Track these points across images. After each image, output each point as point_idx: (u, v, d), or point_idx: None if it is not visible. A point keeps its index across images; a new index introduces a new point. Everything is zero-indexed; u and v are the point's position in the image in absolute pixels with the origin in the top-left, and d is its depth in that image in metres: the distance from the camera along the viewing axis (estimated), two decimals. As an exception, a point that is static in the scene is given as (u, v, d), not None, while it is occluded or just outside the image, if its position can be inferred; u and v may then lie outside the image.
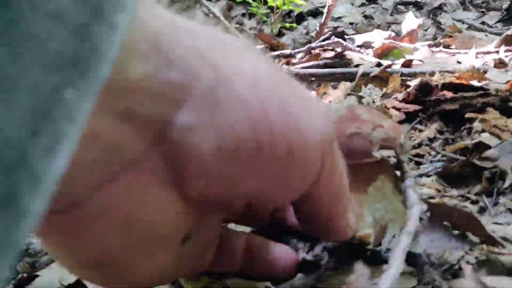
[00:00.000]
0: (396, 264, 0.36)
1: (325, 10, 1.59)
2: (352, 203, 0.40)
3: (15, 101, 0.18)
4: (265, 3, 1.90)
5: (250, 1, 1.99)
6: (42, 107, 0.19)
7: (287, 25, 2.29)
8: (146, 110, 0.28)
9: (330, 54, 1.37)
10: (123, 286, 0.35)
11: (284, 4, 1.73)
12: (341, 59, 1.32)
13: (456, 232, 0.47)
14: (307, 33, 2.62)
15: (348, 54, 1.36)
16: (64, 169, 0.20)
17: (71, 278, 0.54)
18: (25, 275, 0.53)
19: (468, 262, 0.43)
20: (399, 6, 2.93)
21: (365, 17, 2.76)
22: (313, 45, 1.44)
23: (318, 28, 1.59)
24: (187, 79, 0.29)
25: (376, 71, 1.09)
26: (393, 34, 1.73)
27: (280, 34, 2.62)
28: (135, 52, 0.27)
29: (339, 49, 1.40)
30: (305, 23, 2.74)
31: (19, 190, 0.18)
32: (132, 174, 0.30)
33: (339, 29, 2.50)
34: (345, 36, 1.71)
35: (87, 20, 0.20)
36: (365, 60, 1.36)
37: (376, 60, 1.33)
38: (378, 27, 2.60)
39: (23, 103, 0.18)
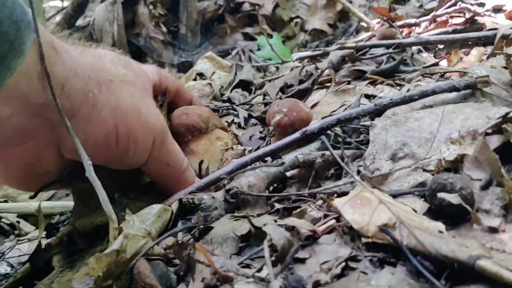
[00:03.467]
0: None
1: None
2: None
3: None
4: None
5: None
6: None
7: (398, 6, 2.19)
8: (48, 115, 0.54)
9: (459, 20, 1.30)
10: (27, 189, 0.67)
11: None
12: (472, 25, 1.25)
13: None
14: (420, 6, 2.50)
15: (479, 19, 1.27)
16: None
17: (244, 229, 0.57)
18: (201, 226, 0.58)
19: None
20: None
21: (485, -18, 2.57)
22: (438, 12, 1.37)
23: None
24: (75, 106, 0.56)
25: (518, 31, 1.02)
26: (525, -5, 1.59)
27: (390, 9, 2.52)
28: (42, 86, 0.52)
29: (467, 15, 1.32)
30: (417, -5, 2.62)
31: None
32: (35, 140, 0.56)
33: (456, -2, 2.35)
34: (471, 2, 1.60)
35: None
36: (498, 24, 1.27)
37: (510, 22, 1.24)
38: (501, -8, 2.41)
39: None
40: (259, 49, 2.47)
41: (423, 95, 0.73)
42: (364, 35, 2.49)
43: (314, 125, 0.68)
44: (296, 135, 0.67)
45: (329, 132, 0.72)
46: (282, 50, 2.50)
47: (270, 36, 2.49)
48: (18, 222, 0.99)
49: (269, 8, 2.63)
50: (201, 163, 0.74)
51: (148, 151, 0.64)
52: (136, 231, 0.52)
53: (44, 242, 0.69)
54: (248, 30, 2.58)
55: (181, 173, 0.69)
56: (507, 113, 0.58)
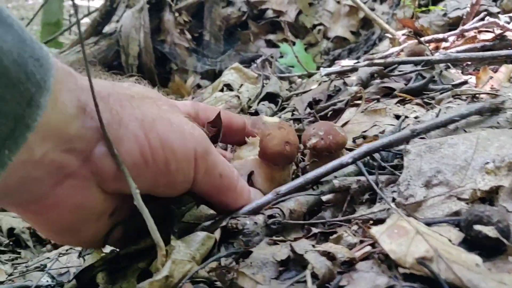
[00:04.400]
0: None
1: (475, -11, 1.50)
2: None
3: None
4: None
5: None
6: None
7: (421, 9, 2.19)
8: (79, 146, 0.53)
9: (487, 35, 1.30)
10: (78, 245, 0.69)
11: (429, -14, 1.66)
12: (501, 41, 1.25)
13: None
14: (444, 15, 2.49)
15: (508, 34, 1.28)
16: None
17: (283, 254, 0.59)
18: (241, 249, 0.60)
19: None
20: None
21: (511, -8, 2.55)
22: (466, 27, 1.38)
23: (469, 9, 1.51)
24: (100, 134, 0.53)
25: (549, 51, 1.02)
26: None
27: (413, 17, 2.52)
28: (70, 116, 0.51)
29: (496, 30, 1.33)
30: (441, 4, 2.61)
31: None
32: (72, 180, 0.53)
33: (482, 7, 2.34)
34: (499, 16, 1.60)
35: (22, 108, 0.45)
36: (527, 40, 1.27)
37: (540, 39, 1.24)
38: (527, 2, 2.39)
39: None
40: (281, 56, 2.49)
41: (455, 120, 0.75)
42: (387, 44, 2.49)
43: (355, 152, 0.70)
44: (339, 161, 0.69)
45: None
46: (305, 58, 2.52)
47: (293, 43, 2.51)
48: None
49: (292, 15, 2.65)
50: (251, 173, 0.73)
51: (192, 164, 0.59)
52: (182, 256, 0.54)
53: (86, 257, 0.72)
54: (271, 37, 2.61)
55: (237, 182, 0.65)
56: (543, 145, 0.59)
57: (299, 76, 1.74)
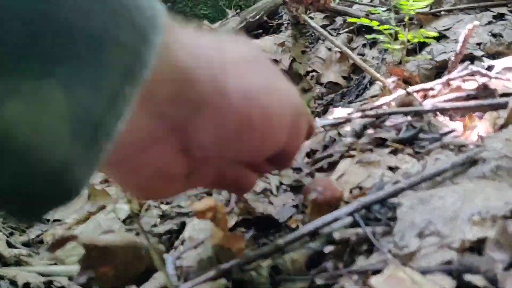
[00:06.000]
0: None
1: (459, 38, 1.60)
2: None
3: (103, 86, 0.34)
4: (396, 37, 1.95)
5: (381, 38, 2.05)
6: (115, 94, 0.34)
7: (408, 58, 2.30)
8: (172, 113, 0.50)
9: (472, 85, 1.39)
10: (157, 198, 0.90)
11: (415, 37, 1.76)
12: (484, 90, 1.33)
13: None
14: (431, 59, 2.60)
15: (491, 82, 1.36)
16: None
17: None
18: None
19: None
20: (531, 21, 2.78)
21: (493, 35, 2.67)
22: (451, 76, 1.46)
23: (453, 58, 1.60)
24: (205, 97, 0.50)
25: (528, 101, 1.10)
26: (533, 55, 1.68)
27: (401, 63, 2.63)
28: (167, 77, 0.45)
29: (478, 78, 1.41)
30: (428, 48, 2.73)
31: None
32: (159, 146, 0.53)
33: (466, 51, 2.45)
34: (480, 62, 1.70)
35: (139, 42, 0.36)
36: (510, 88, 1.35)
37: (520, 86, 1.32)
38: (509, 46, 2.51)
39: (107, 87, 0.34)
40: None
41: (438, 174, 0.82)
42: (377, 88, 2.57)
43: (351, 206, 0.76)
44: (337, 214, 0.75)
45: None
46: (300, 103, 2.60)
47: (288, 89, 2.61)
48: (69, 285, 1.06)
49: (286, 63, 2.76)
50: None
51: (286, 134, 0.60)
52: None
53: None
54: (267, 84, 2.71)
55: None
56: (523, 198, 0.66)
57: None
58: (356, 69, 2.80)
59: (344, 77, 2.72)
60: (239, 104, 0.52)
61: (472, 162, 0.85)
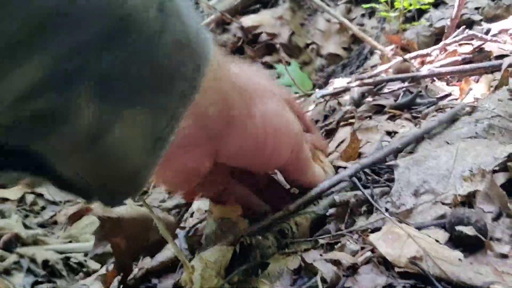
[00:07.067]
0: None
1: (455, 3, 1.61)
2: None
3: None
4: (392, 5, 1.96)
5: (377, 6, 2.05)
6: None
7: (405, 25, 2.30)
8: (212, 126, 0.62)
9: (467, 48, 1.40)
10: (181, 191, 0.78)
11: (411, 4, 1.77)
12: (479, 53, 1.35)
13: None
14: (430, 25, 2.60)
15: (487, 45, 1.38)
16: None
17: (295, 264, 0.68)
18: (259, 261, 0.69)
19: None
20: (529, -18, 2.76)
21: (491, -1, 2.66)
22: (447, 41, 1.48)
23: (449, 23, 1.61)
24: (235, 115, 0.63)
25: (522, 61, 1.12)
26: (530, 16, 1.69)
27: (398, 32, 2.63)
28: (211, 98, 0.58)
29: (475, 42, 1.43)
30: (426, 15, 2.72)
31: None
32: (196, 151, 0.64)
33: (465, 17, 2.45)
34: (478, 27, 1.71)
35: (192, 69, 0.44)
36: (505, 50, 1.37)
37: (516, 48, 1.34)
38: (508, 8, 2.50)
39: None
40: (278, 77, 2.60)
41: (427, 131, 0.86)
42: (378, 57, 2.58)
43: (348, 171, 0.79)
44: (338, 178, 0.79)
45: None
46: (301, 76, 2.62)
47: (288, 63, 2.62)
48: (85, 261, 1.11)
49: (285, 37, 2.77)
50: None
51: (289, 152, 0.73)
52: (210, 271, 0.63)
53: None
54: (267, 59, 2.72)
55: (313, 165, 0.81)
56: (511, 153, 0.69)
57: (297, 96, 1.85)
58: (356, 39, 2.81)
59: (344, 48, 2.74)
60: (258, 123, 0.67)
61: (456, 119, 0.89)
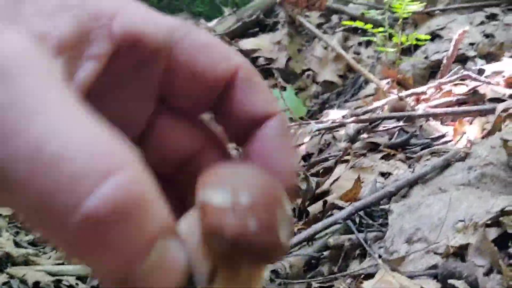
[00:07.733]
0: None
1: (451, 42, 1.65)
2: None
3: None
4: (390, 38, 2.00)
5: (376, 40, 2.09)
6: None
7: (402, 60, 2.34)
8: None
9: (462, 89, 1.44)
10: None
11: (408, 40, 1.81)
12: (473, 95, 1.39)
13: None
14: (426, 58, 2.64)
15: (480, 89, 1.41)
16: None
17: None
18: None
19: None
20: (523, 21, 2.82)
21: (486, 36, 2.71)
22: (442, 80, 1.51)
23: (445, 61, 1.65)
24: None
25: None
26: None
27: (395, 63, 2.67)
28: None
29: (469, 82, 1.46)
30: (423, 48, 2.77)
31: None
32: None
33: (460, 52, 2.49)
34: (472, 64, 1.75)
35: None
36: (498, 93, 1.41)
37: (508, 90, 1.37)
38: (501, 46, 2.55)
39: None
40: (274, 101, 2.63)
41: (420, 176, 0.88)
42: (372, 87, 2.62)
43: (344, 212, 0.81)
44: (333, 220, 0.81)
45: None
46: (296, 102, 2.65)
47: (284, 88, 2.65)
48: (77, 284, 1.11)
49: (282, 62, 2.80)
50: None
51: None
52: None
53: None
54: (264, 83, 2.75)
55: None
56: (503, 208, 0.71)
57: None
58: (351, 68, 2.85)
59: (339, 76, 2.77)
60: None
61: (449, 164, 0.92)
